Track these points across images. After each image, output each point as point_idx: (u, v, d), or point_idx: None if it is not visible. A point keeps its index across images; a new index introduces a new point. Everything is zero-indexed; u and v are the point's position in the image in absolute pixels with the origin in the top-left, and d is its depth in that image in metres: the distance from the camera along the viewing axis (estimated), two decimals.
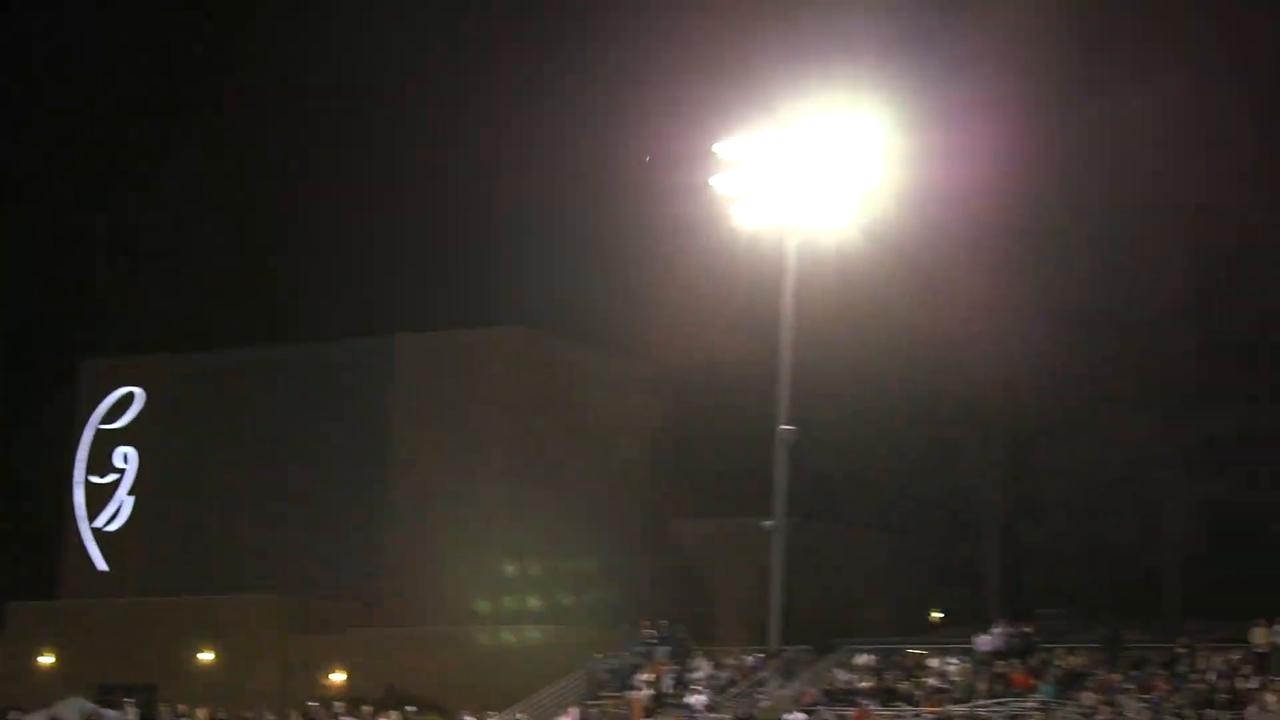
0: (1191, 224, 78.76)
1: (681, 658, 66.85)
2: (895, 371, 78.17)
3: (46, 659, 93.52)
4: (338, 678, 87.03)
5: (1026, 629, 65.16)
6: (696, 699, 63.30)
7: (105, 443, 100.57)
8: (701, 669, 65.71)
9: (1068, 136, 78.18)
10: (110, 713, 66.03)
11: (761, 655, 66.97)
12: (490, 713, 66.72)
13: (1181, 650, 61.98)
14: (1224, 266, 77.88)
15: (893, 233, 73.10)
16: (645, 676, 65.66)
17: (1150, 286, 78.40)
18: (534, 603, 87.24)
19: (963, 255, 78.15)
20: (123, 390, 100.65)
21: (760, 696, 63.77)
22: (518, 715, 64.98)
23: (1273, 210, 76.86)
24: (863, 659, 65.18)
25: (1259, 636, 60.66)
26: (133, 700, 68.79)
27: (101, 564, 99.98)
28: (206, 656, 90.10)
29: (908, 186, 70.77)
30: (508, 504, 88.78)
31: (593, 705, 64.76)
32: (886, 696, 61.89)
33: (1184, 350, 78.62)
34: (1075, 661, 62.30)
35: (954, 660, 63.54)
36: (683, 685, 64.81)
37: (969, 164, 73.96)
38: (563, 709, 64.58)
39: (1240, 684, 58.86)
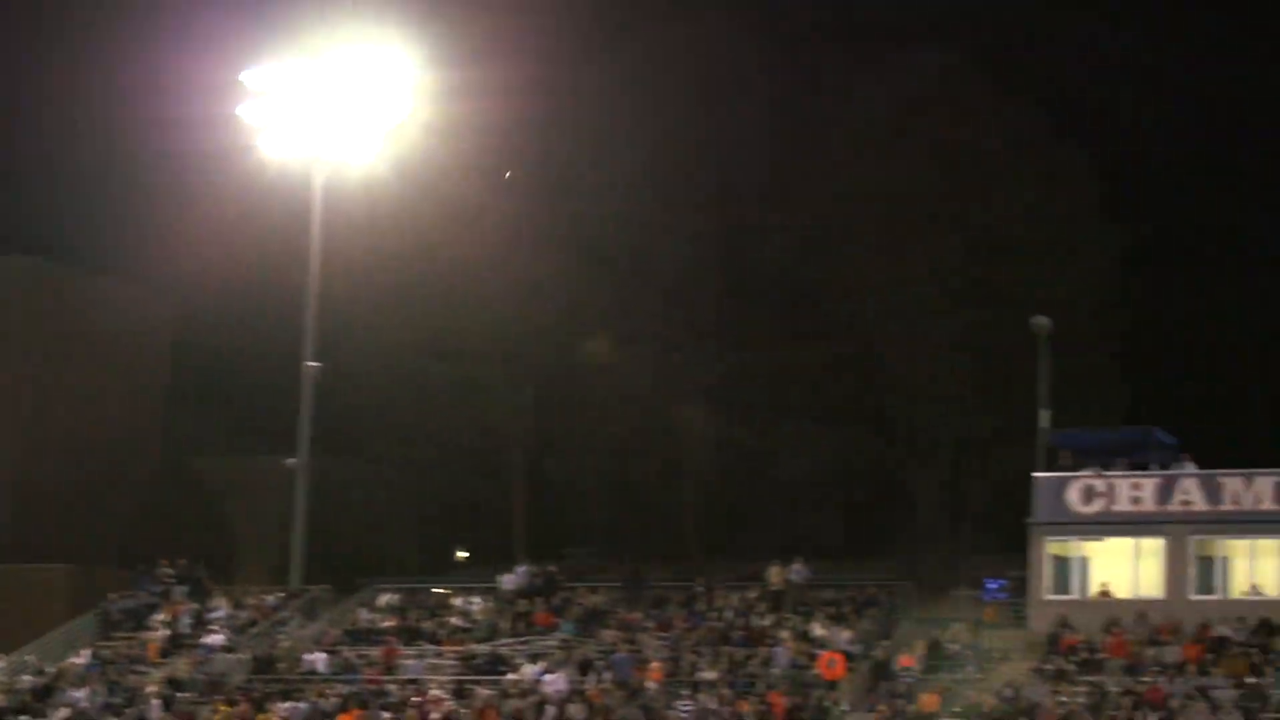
0: (717, 165, 79.85)
1: (200, 597, 65.40)
2: (422, 307, 77.45)
3: None
4: None
5: (550, 568, 65.67)
6: (214, 639, 62.04)
7: None
8: (220, 609, 64.41)
9: (598, 75, 78.41)
10: None
11: (283, 595, 65.96)
12: None
13: (700, 589, 63.11)
14: (747, 207, 79.11)
15: (421, 167, 72.46)
16: (161, 616, 64.08)
17: (675, 226, 79.22)
18: (47, 540, 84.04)
19: (491, 192, 77.79)
20: None
21: (281, 636, 62.76)
22: (26, 657, 62.52)
23: (797, 153, 78.35)
24: (386, 598, 64.77)
25: (774, 575, 62.12)
26: None
27: None
28: None
29: (437, 121, 70.19)
30: (21, 439, 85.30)
31: (106, 646, 62.87)
32: (410, 636, 61.66)
33: (706, 290, 79.67)
34: (597, 600, 63.04)
35: (477, 599, 63.64)
36: (201, 625, 63.42)
37: (498, 100, 73.67)
38: (75, 650, 62.42)
39: (756, 621, 60.09)
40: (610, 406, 78.49)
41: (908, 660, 56.96)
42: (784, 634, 58.87)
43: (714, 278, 79.64)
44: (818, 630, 58.89)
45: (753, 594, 62.00)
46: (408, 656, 60.06)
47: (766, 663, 57.52)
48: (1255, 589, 57.47)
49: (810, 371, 77.18)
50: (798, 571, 62.32)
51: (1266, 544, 57.50)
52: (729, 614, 60.96)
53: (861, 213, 77.21)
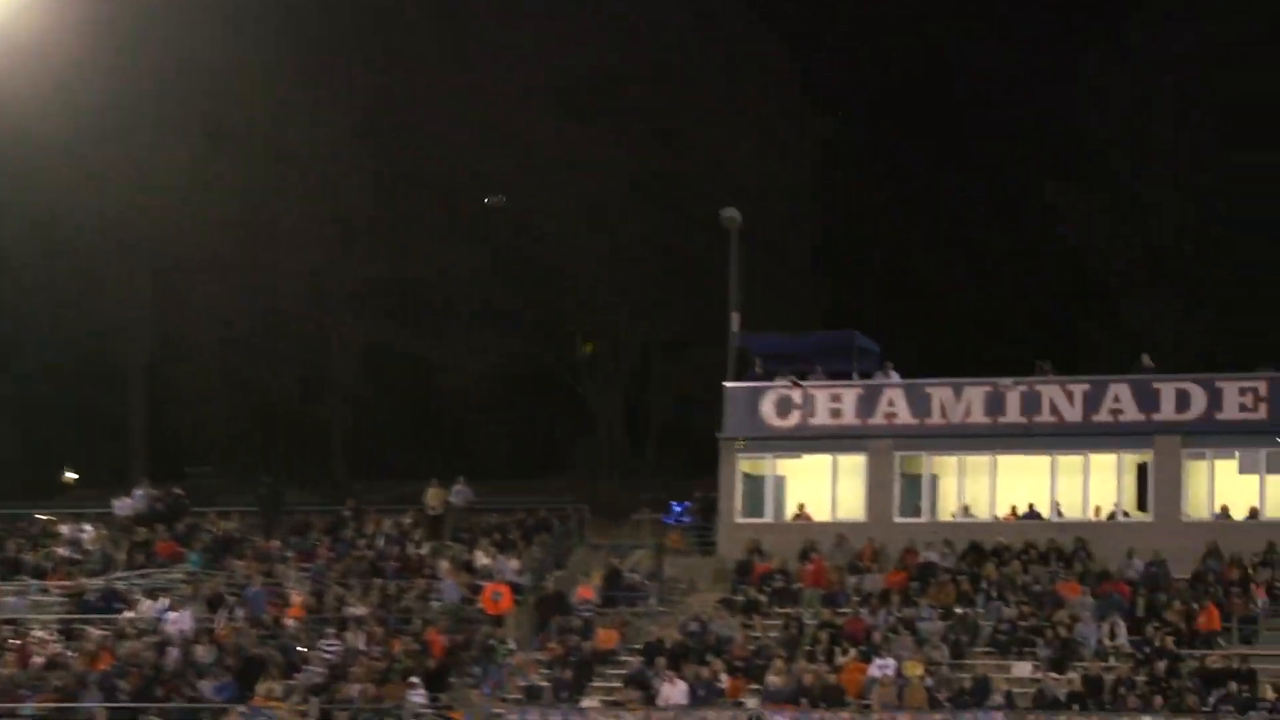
0: (370, 53, 78.86)
1: None
2: (23, 193, 75.11)
3: None
4: None
5: (175, 490, 64.46)
6: None
7: None
8: None
9: None
10: None
11: None
12: None
13: (348, 513, 62.48)
14: (404, 96, 78.17)
15: (14, 31, 69.89)
16: None
17: (315, 115, 78.06)
18: None
19: (96, 62, 75.19)
20: None
21: None
22: None
23: (459, 39, 77.58)
24: None
25: (432, 498, 61.86)
26: None
27: None
28: None
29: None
30: None
31: None
32: (9, 569, 60.12)
33: (358, 184, 78.77)
34: (228, 526, 62.21)
35: (89, 527, 62.40)
36: None
37: None
38: None
39: (412, 550, 59.83)
40: (244, 307, 77.06)
41: (586, 592, 56.88)
42: (443, 564, 58.46)
43: (367, 171, 78.59)
44: (482, 560, 58.47)
45: (408, 519, 61.44)
46: (6, 592, 58.48)
47: (424, 596, 57.08)
48: (965, 510, 58.37)
49: (476, 273, 76.73)
50: (459, 493, 61.84)
51: (977, 460, 58.34)
52: (381, 542, 60.36)
53: (532, 99, 76.73)
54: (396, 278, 77.96)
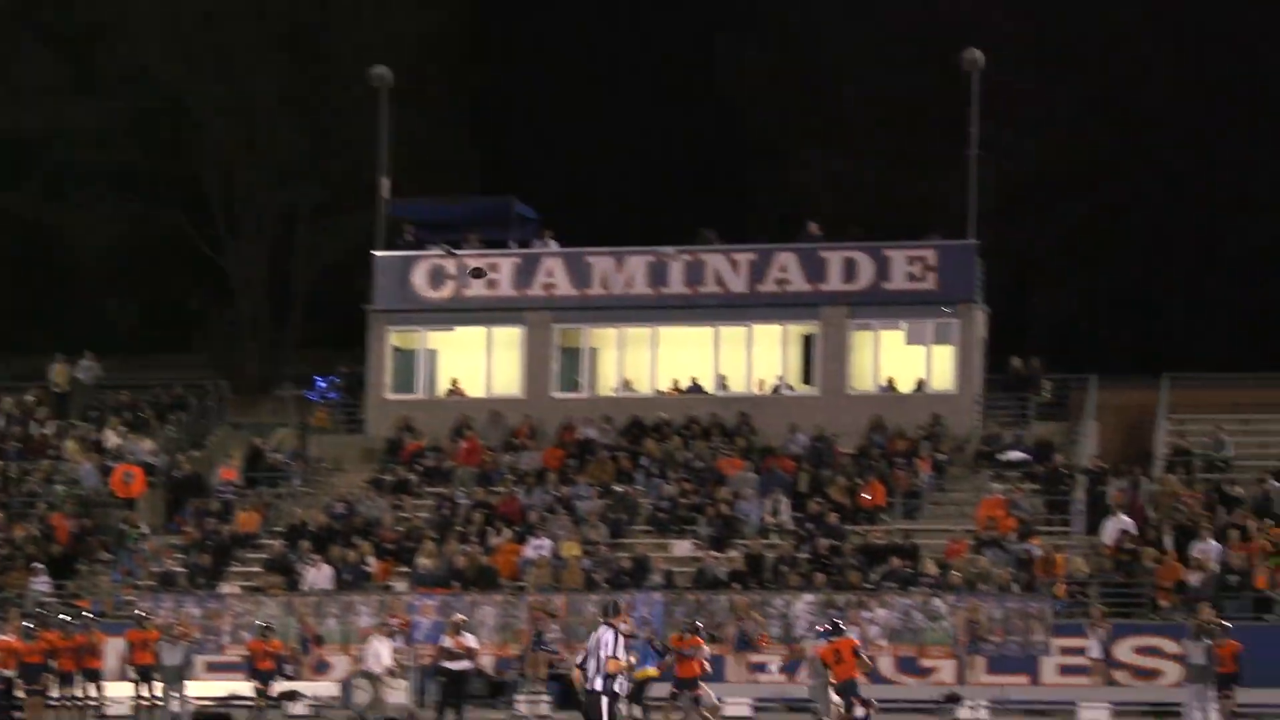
0: None
1: None
2: None
3: None
4: None
5: None
6: None
7: None
8: None
9: None
10: None
11: None
12: None
13: None
14: None
15: None
16: None
17: None
18: None
19: None
20: None
21: None
22: None
23: None
24: None
25: (57, 374, 61.72)
26: None
27: None
28: None
29: None
30: None
31: None
32: None
33: None
34: None
35: None
36: None
37: None
38: None
39: (35, 429, 59.65)
40: None
41: (227, 473, 57.35)
42: (69, 444, 58.60)
43: None
44: (112, 439, 58.84)
45: (31, 397, 61.56)
46: None
47: (49, 479, 57.20)
48: (625, 384, 59.83)
49: (100, 130, 75.77)
50: (86, 368, 62.14)
51: (638, 333, 59.86)
52: (1, 421, 60.44)
53: None
54: (12, 137, 76.70)
